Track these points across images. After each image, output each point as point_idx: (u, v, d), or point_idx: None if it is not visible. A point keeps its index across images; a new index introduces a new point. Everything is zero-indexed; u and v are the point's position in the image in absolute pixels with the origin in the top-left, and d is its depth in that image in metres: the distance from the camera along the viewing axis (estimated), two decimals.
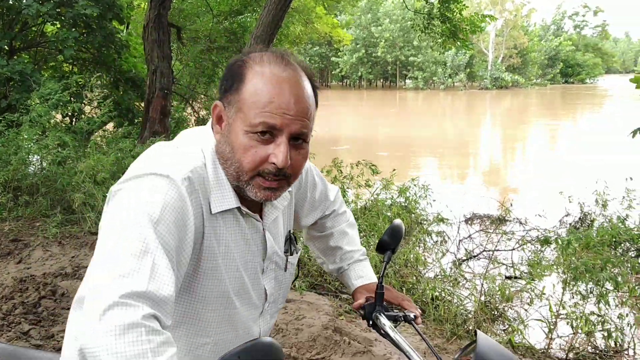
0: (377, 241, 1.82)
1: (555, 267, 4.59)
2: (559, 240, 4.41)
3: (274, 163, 1.26)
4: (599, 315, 4.63)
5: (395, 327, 1.65)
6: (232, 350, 1.02)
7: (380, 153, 17.87)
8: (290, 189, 1.47)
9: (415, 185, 7.64)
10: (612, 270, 4.51)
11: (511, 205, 7.35)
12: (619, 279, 4.43)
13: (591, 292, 4.52)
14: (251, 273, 1.42)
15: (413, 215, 7.58)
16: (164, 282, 1.08)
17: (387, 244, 1.79)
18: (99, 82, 11.97)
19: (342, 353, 4.10)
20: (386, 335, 1.63)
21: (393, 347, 4.28)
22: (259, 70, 1.27)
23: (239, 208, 1.35)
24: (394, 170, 7.69)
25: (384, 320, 1.64)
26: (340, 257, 1.84)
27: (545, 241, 4.66)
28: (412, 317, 1.70)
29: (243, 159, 1.27)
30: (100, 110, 9.95)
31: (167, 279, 1.09)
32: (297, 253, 1.60)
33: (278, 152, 1.25)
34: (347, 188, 6.62)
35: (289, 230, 1.61)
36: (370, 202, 7.15)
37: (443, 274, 6.04)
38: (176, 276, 1.15)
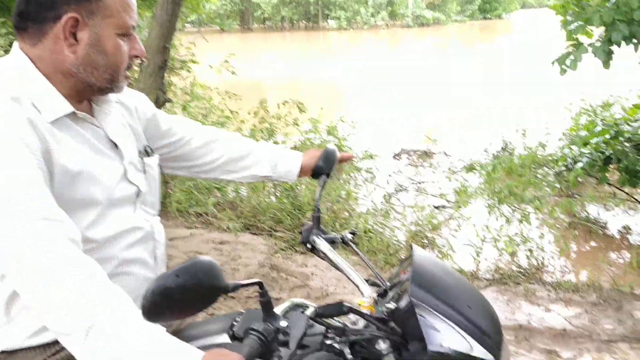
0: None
1: (480, 193, 4.76)
2: (483, 167, 4.55)
3: (136, 56, 1.42)
4: (522, 236, 4.87)
5: (333, 248, 1.66)
6: (170, 270, 0.99)
7: (310, 94, 17.79)
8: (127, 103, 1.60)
9: (343, 122, 7.65)
10: (534, 193, 4.72)
11: (433, 134, 7.49)
12: (540, 200, 4.65)
13: (514, 213, 4.73)
14: (111, 177, 1.42)
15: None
16: (52, 207, 1.16)
17: (321, 169, 1.81)
18: (4, 29, 11.17)
19: (280, 289, 4.14)
20: (325, 257, 1.64)
21: (329, 279, 4.36)
22: None
23: (74, 114, 1.36)
24: (322, 109, 7.66)
25: (321, 243, 1.65)
26: (264, 153, 1.91)
27: (471, 168, 4.80)
28: (350, 238, 1.71)
29: (119, 60, 1.37)
30: None
31: (51, 201, 1.17)
32: (153, 155, 1.62)
33: (137, 46, 1.41)
34: (275, 128, 6.54)
35: (145, 145, 1.62)
36: (299, 142, 7.12)
37: (374, 207, 6.16)
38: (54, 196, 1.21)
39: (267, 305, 1.22)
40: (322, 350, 1.45)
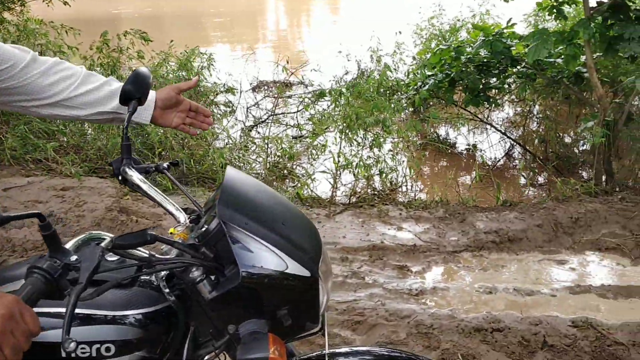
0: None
1: (333, 120, 4.76)
2: (332, 92, 4.52)
3: None
4: (375, 160, 4.98)
5: (147, 178, 1.52)
6: None
7: (169, 27, 16.92)
8: None
9: (196, 55, 7.30)
10: (381, 116, 4.79)
11: (287, 62, 7.36)
12: (386, 124, 4.73)
13: (366, 138, 4.80)
14: None
15: (199, 88, 7.33)
16: None
17: (130, 93, 1.57)
18: None
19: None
20: (138, 189, 1.49)
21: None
22: None
23: None
24: (172, 41, 7.25)
25: (132, 173, 1.49)
26: (114, 88, 1.60)
27: (321, 94, 4.74)
28: (165, 166, 1.58)
29: None
30: None
31: None
32: None
33: None
34: (118, 63, 6.04)
35: None
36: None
37: (232, 142, 6.02)
38: None
39: (52, 239, 1.07)
40: (136, 286, 1.34)
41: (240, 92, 6.93)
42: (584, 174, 5.77)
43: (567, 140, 6.67)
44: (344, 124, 4.50)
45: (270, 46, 14.99)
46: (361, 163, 4.79)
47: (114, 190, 4.45)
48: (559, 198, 4.52)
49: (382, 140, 4.87)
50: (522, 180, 5.66)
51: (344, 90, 4.45)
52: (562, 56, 5.19)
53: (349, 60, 8.26)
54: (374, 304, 3.40)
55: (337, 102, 4.47)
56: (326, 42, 13.99)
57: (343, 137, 4.59)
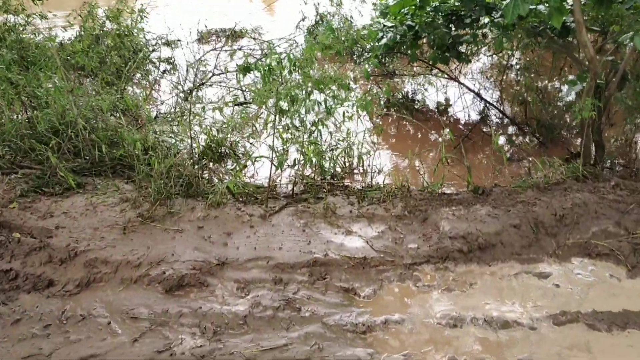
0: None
1: (268, 95, 3.88)
2: (259, 65, 3.63)
3: None
4: (322, 141, 4.15)
5: None
6: None
7: None
8: None
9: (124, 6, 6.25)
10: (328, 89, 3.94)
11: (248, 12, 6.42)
12: (333, 100, 3.89)
13: (304, 125, 3.93)
14: None
15: (133, 44, 6.31)
16: None
17: None
18: None
19: (10, 256, 3.14)
20: None
21: (82, 230, 3.38)
22: None
23: None
24: None
25: None
26: None
27: (245, 69, 3.82)
28: None
29: None
30: None
31: None
32: None
33: None
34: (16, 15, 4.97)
35: None
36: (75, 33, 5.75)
37: (168, 111, 5.18)
38: None
39: None
40: None
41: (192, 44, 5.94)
42: (571, 141, 4.99)
43: (551, 98, 5.84)
44: (277, 109, 3.64)
45: None
46: (305, 145, 3.94)
47: None
48: (540, 186, 3.76)
49: (330, 114, 4.00)
50: (499, 153, 4.85)
51: (274, 63, 3.54)
52: (545, 3, 4.31)
53: (306, 4, 7.25)
54: (309, 349, 2.69)
55: (266, 78, 3.58)
56: None
57: (277, 119, 3.73)
